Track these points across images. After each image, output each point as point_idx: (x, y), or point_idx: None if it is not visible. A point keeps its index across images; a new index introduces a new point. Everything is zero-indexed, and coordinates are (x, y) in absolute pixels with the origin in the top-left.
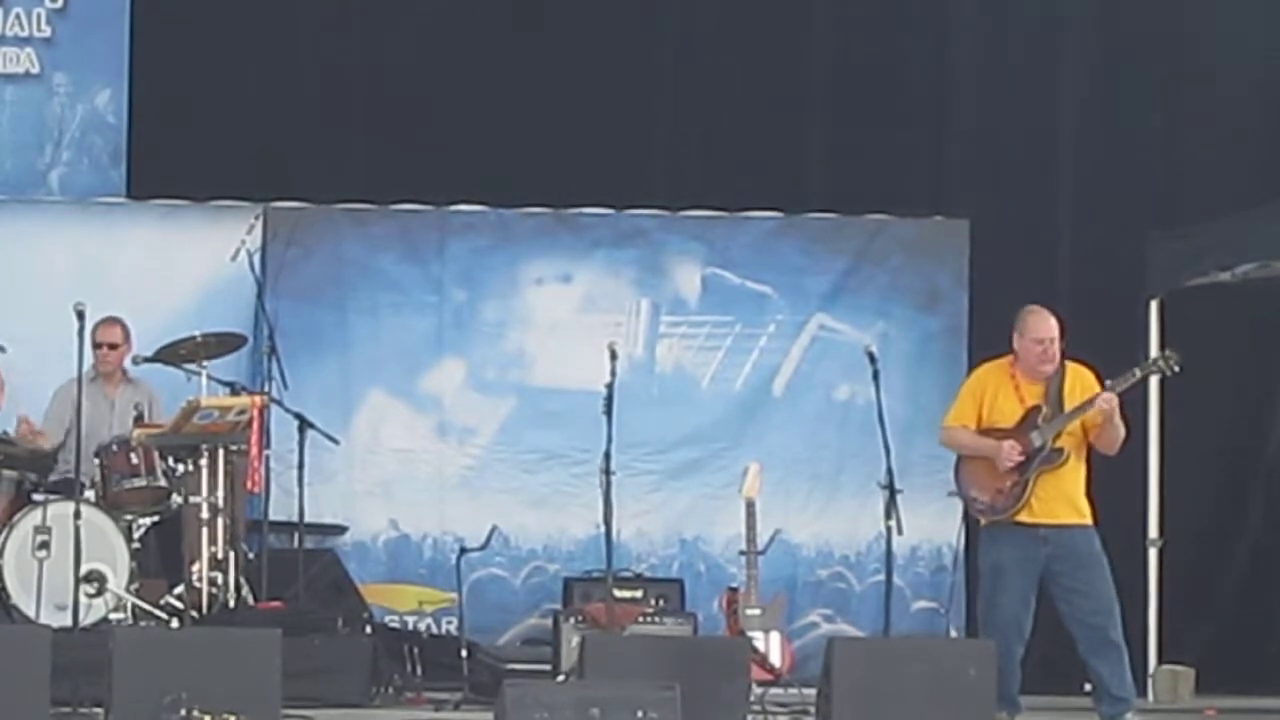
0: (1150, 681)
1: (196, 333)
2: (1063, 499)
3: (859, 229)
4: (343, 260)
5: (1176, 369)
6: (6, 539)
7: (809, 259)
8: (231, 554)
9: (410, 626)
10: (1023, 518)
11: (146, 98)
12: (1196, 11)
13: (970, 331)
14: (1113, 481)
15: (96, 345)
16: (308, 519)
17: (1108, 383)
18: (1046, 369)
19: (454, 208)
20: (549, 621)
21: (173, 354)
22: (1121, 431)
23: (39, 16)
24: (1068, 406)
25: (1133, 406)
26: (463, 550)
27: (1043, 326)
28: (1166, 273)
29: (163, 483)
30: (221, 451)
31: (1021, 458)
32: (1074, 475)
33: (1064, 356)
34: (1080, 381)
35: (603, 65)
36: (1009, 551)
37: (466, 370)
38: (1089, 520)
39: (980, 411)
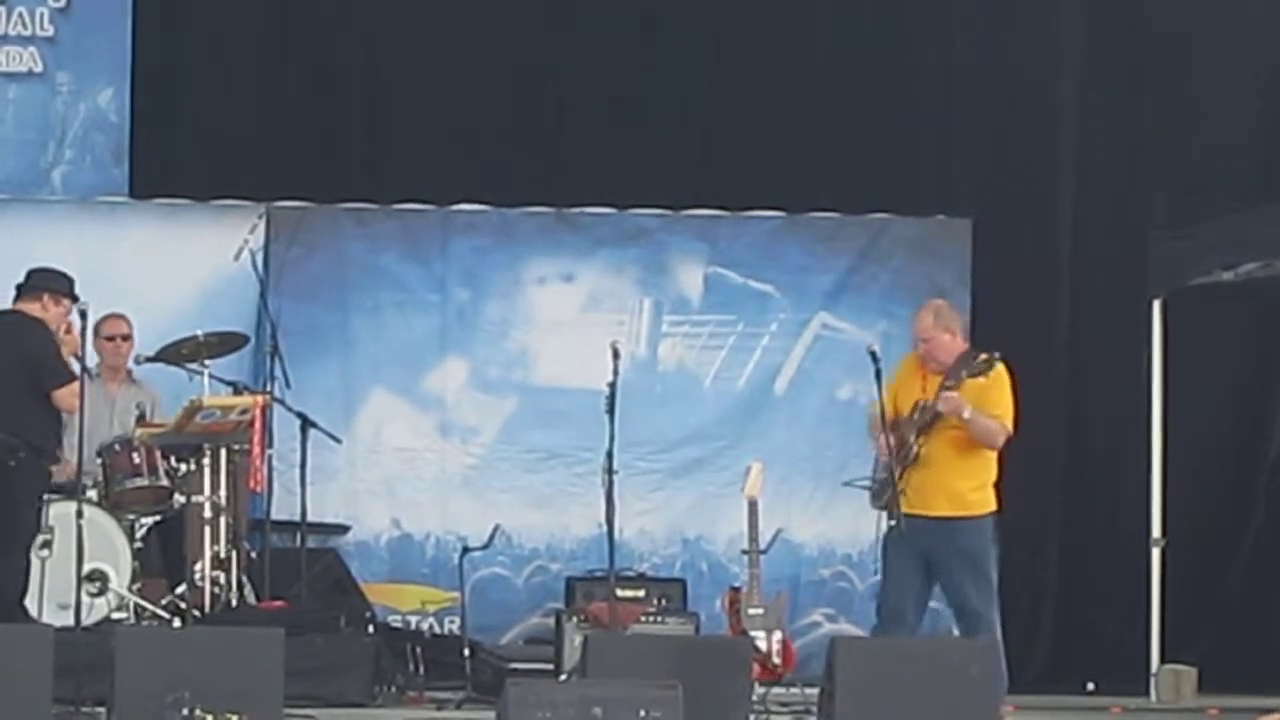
0: (1153, 681)
1: (199, 332)
2: (940, 491)
3: (861, 228)
4: (345, 259)
5: (996, 365)
6: None
7: (811, 258)
8: (234, 553)
9: (413, 626)
10: (906, 510)
11: (149, 97)
12: (1197, 11)
13: (973, 331)
14: (1115, 481)
15: (108, 338)
16: (310, 518)
17: (947, 383)
18: (930, 365)
19: (456, 207)
20: (551, 621)
21: (175, 353)
22: (984, 426)
23: (42, 15)
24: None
25: (1135, 406)
26: (465, 549)
27: (919, 325)
28: (1169, 272)
29: (165, 482)
30: (224, 451)
31: (889, 452)
32: (953, 467)
33: (976, 347)
34: (983, 380)
35: (604, 64)
36: (895, 540)
37: (469, 369)
38: (973, 511)
39: (895, 400)
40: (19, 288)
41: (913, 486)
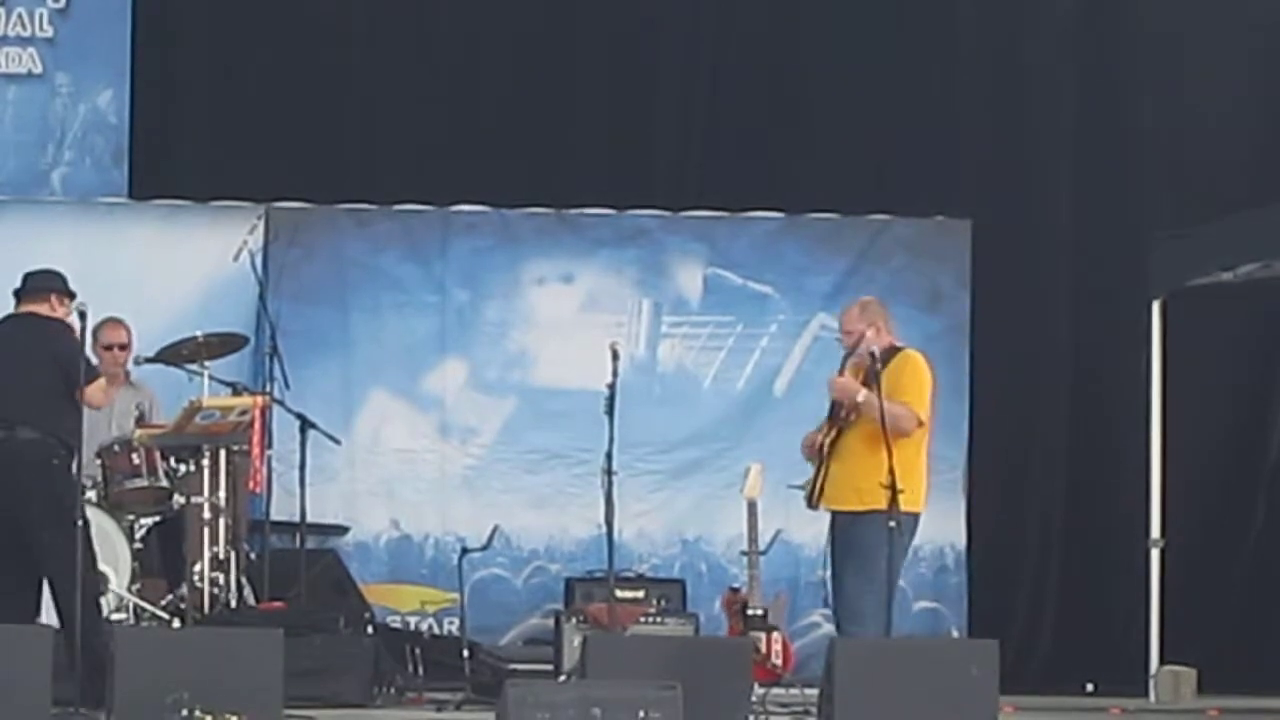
0: (1152, 682)
1: (198, 333)
2: (849, 486)
3: (861, 229)
4: (345, 260)
5: (900, 350)
6: None
7: (811, 259)
8: (233, 554)
9: (412, 627)
10: (824, 505)
11: (148, 98)
12: (1196, 12)
13: (973, 331)
14: (1115, 482)
15: (107, 347)
16: (309, 519)
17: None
18: (853, 358)
19: (456, 207)
20: (551, 622)
21: (175, 354)
22: (888, 411)
23: (41, 16)
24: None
25: (1135, 407)
26: (464, 550)
27: (844, 319)
28: (1169, 272)
29: (164, 483)
30: (223, 452)
31: (813, 447)
32: (863, 462)
33: (895, 346)
34: (896, 370)
35: (604, 65)
36: (835, 542)
37: (468, 370)
38: (875, 506)
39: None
40: (19, 292)
41: (831, 479)
